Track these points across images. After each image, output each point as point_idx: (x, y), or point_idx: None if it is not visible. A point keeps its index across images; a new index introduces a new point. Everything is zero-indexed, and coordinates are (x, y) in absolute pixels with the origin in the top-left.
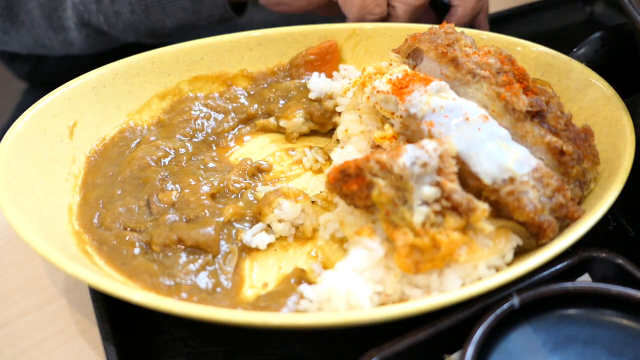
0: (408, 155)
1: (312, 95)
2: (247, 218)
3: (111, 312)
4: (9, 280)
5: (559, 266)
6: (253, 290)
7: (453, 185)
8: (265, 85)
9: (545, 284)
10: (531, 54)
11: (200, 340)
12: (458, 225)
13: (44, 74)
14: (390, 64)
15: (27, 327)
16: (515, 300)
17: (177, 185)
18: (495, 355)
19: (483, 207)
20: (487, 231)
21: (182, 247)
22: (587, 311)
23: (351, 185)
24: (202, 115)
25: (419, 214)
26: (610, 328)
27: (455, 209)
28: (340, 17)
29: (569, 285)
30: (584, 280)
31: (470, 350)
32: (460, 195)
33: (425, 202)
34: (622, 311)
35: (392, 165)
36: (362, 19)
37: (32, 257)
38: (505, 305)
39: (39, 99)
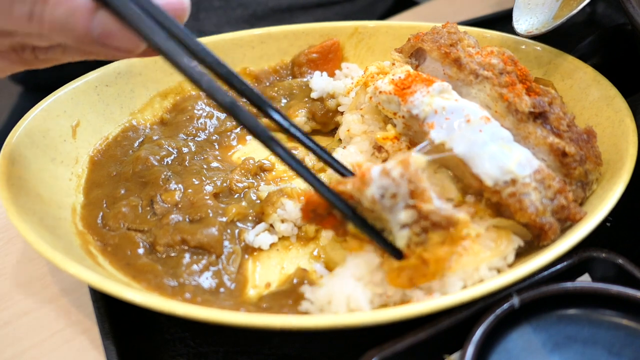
0: (375, 187)
1: (314, 95)
2: (250, 218)
3: (111, 312)
4: (9, 280)
5: (559, 266)
6: (256, 291)
7: (429, 206)
8: (268, 84)
9: (545, 284)
10: (534, 53)
11: (200, 340)
12: (443, 239)
13: (40, 77)
14: (393, 64)
15: (27, 327)
16: (515, 300)
17: (180, 185)
18: (495, 355)
19: (464, 218)
20: (476, 234)
21: (186, 247)
22: (587, 311)
23: (326, 224)
24: (204, 114)
25: (400, 239)
26: (610, 328)
27: (436, 225)
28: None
29: (569, 285)
30: (584, 280)
31: (470, 350)
32: (437, 215)
33: (405, 225)
34: (622, 311)
35: (360, 199)
36: None
37: (32, 257)
38: (505, 305)
39: (36, 102)
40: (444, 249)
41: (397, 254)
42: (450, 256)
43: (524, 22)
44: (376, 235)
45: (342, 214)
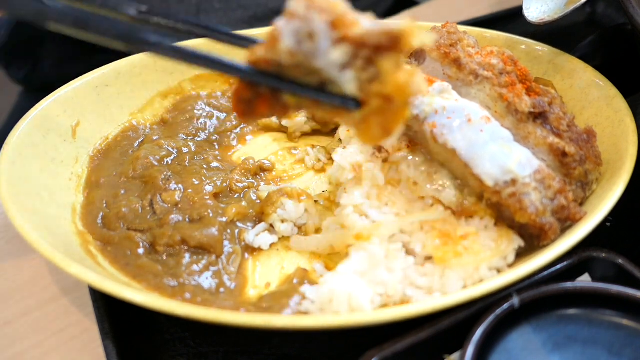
0: (287, 36)
1: None
2: (250, 218)
3: (111, 312)
4: (9, 280)
5: (559, 266)
6: (256, 291)
7: (359, 29)
8: None
9: (545, 284)
10: (535, 53)
11: (200, 340)
12: (396, 62)
13: (40, 79)
14: None
15: (27, 327)
16: (515, 300)
17: (180, 185)
18: (495, 355)
19: (408, 26)
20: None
21: (186, 247)
22: (587, 311)
23: (261, 108)
24: (204, 114)
25: (347, 83)
26: (610, 328)
27: (380, 48)
28: None
29: (569, 285)
30: (584, 280)
31: (470, 350)
32: (374, 34)
33: (344, 66)
34: (622, 311)
35: (278, 59)
36: None
37: (32, 257)
38: (505, 305)
39: (36, 102)
40: (402, 73)
41: (353, 103)
42: (413, 78)
43: (535, 10)
44: (317, 92)
45: (267, 87)
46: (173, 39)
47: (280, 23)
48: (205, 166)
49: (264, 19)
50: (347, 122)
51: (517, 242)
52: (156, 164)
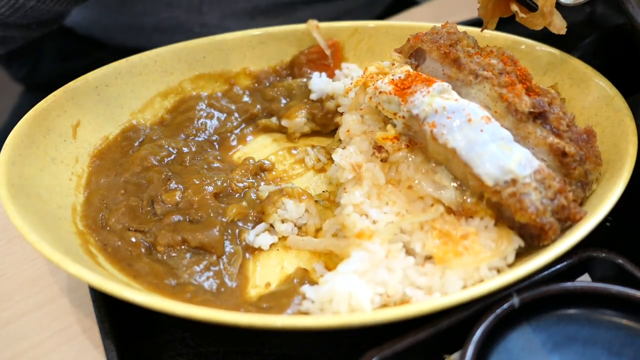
0: None
1: (313, 96)
2: (250, 218)
3: (111, 312)
4: (9, 280)
5: (558, 266)
6: (256, 290)
7: None
8: (268, 84)
9: (545, 284)
10: (535, 53)
11: (201, 341)
12: None
13: (42, 76)
14: (393, 64)
15: (27, 327)
16: (515, 300)
17: (180, 185)
18: (495, 355)
19: None
20: None
21: (187, 247)
22: (587, 311)
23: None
24: (205, 114)
25: None
26: (610, 328)
27: None
28: None
29: (569, 285)
30: (584, 280)
31: (470, 350)
32: None
33: None
34: (622, 311)
35: None
36: None
37: (32, 257)
38: (505, 305)
39: (37, 101)
40: None
41: None
42: None
43: None
44: None
45: None
46: None
47: None
48: (205, 166)
49: (266, 11)
50: None
51: (517, 242)
52: (156, 164)
